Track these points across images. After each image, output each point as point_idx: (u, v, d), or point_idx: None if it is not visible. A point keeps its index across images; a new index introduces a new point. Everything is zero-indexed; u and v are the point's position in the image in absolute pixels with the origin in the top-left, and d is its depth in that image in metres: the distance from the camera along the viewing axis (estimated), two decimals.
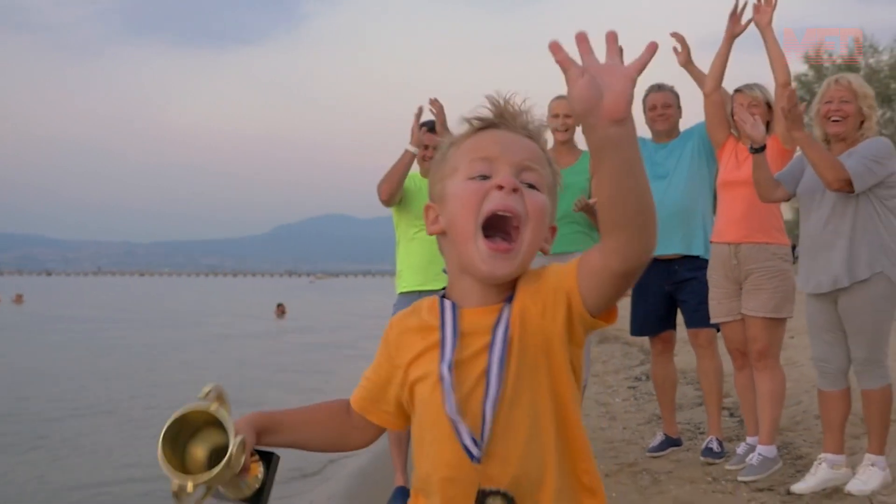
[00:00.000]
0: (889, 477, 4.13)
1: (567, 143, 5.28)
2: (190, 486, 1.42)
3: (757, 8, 4.75)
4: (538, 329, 1.45)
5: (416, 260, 5.04)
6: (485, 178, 1.46)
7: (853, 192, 4.01)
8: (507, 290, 1.49)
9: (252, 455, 1.53)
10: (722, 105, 4.93)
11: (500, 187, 1.44)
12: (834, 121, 4.17)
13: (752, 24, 4.83)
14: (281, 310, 33.55)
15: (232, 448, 1.43)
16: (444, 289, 1.57)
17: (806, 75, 21.36)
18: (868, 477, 4.08)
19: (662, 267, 5.15)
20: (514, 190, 1.44)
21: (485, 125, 1.53)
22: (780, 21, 4.73)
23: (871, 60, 20.50)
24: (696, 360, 5.45)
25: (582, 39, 1.24)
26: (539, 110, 1.57)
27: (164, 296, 66.65)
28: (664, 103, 5.39)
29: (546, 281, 1.47)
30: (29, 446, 8.47)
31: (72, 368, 15.67)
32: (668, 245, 5.11)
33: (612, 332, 12.47)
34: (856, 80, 4.29)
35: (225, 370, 14.92)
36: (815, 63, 20.71)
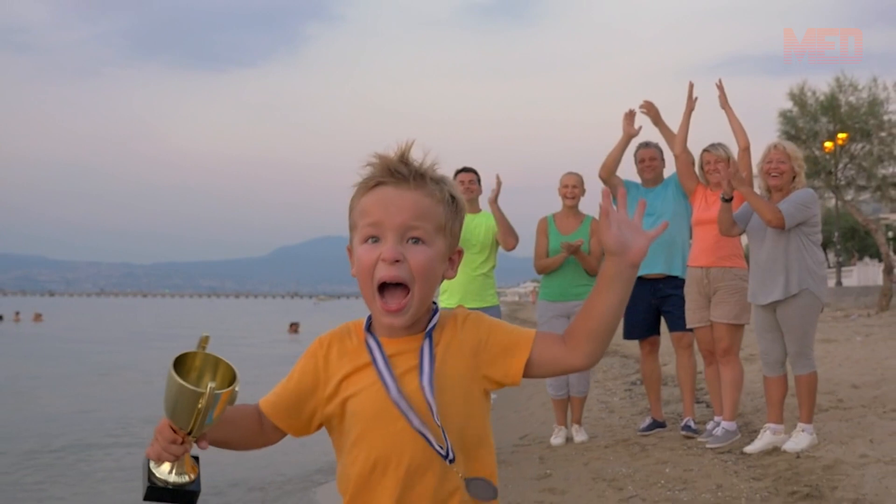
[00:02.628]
0: (815, 440, 5.55)
1: (573, 208, 6.84)
2: (209, 388, 1.51)
3: (720, 89, 6.25)
4: (463, 361, 1.69)
5: (455, 282, 6.59)
6: (375, 239, 1.64)
7: (784, 228, 5.47)
8: (422, 323, 1.71)
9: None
10: (689, 163, 6.42)
11: (384, 260, 1.62)
12: (773, 176, 5.65)
13: (715, 97, 6.34)
14: (294, 328, 34.82)
15: (237, 386, 1.57)
16: (369, 317, 1.74)
17: (790, 111, 22.57)
18: (799, 440, 5.51)
19: (649, 284, 6.61)
20: (397, 261, 1.62)
21: (374, 183, 1.66)
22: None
23: (852, 98, 21.77)
24: (676, 359, 6.90)
25: (622, 195, 1.64)
26: (421, 152, 1.68)
27: (176, 315, 67.75)
28: (651, 156, 6.88)
29: (494, 337, 1.70)
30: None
31: (120, 380, 17.22)
32: (654, 267, 6.56)
33: (612, 347, 13.93)
34: (790, 146, 5.78)
35: (267, 382, 16.27)
36: (798, 101, 22.12)
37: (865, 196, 24.62)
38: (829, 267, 45.18)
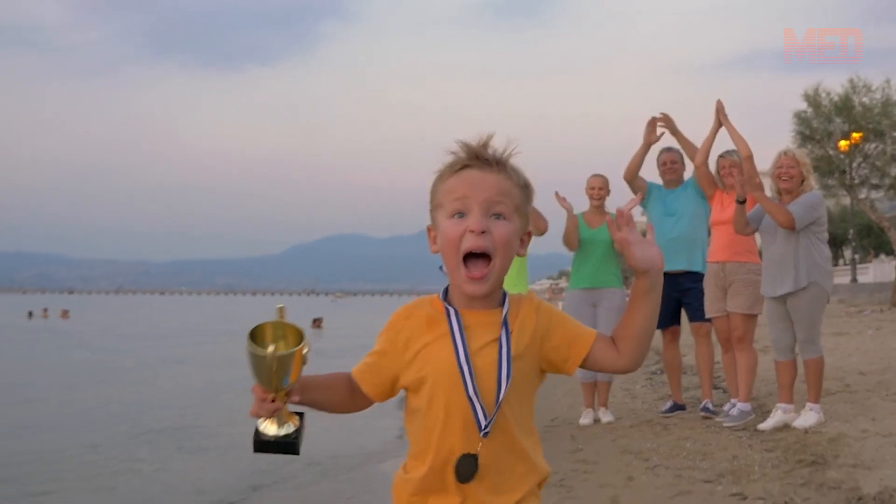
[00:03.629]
0: (822, 418, 6.15)
1: (599, 208, 7.45)
2: (269, 351, 1.65)
3: (720, 110, 6.84)
4: (530, 344, 1.85)
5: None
6: (461, 214, 1.79)
7: (794, 229, 6.08)
8: (497, 297, 1.87)
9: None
10: (708, 173, 7.03)
11: (472, 231, 1.77)
12: (784, 180, 6.25)
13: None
14: (318, 324, 35.53)
15: (305, 348, 1.70)
16: (445, 290, 1.89)
17: (805, 112, 23.09)
18: (807, 417, 6.11)
19: (671, 279, 7.21)
20: (483, 232, 1.77)
21: (461, 166, 1.83)
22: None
23: (865, 99, 22.29)
24: (695, 347, 7.51)
25: (630, 219, 1.84)
26: (502, 142, 1.85)
27: (197, 312, 68.66)
28: (672, 160, 7.50)
29: (561, 327, 1.88)
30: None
31: (166, 372, 18.09)
32: (676, 263, 7.17)
33: None
34: (798, 152, 6.39)
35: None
36: (813, 102, 22.65)
37: (879, 195, 25.09)
38: (845, 264, 45.56)
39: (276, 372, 1.68)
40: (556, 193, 7.42)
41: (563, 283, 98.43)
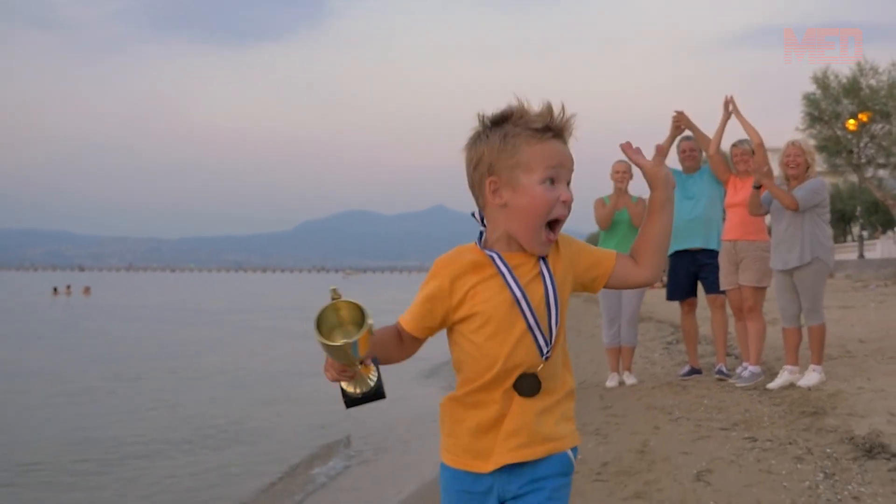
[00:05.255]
0: (824, 378, 6.96)
1: (623, 190, 8.23)
2: (354, 343, 1.77)
3: (728, 104, 7.64)
4: (564, 272, 2.05)
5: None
6: (552, 181, 1.94)
7: (799, 210, 6.87)
8: None
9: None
10: (722, 161, 7.83)
11: (564, 202, 1.95)
12: (791, 167, 7.04)
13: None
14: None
15: (370, 320, 1.79)
16: (479, 238, 2.03)
17: (814, 94, 23.82)
18: (811, 378, 6.93)
19: (689, 255, 8.04)
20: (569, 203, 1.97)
21: (549, 136, 1.95)
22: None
23: (872, 81, 22.97)
24: (711, 316, 8.33)
25: (639, 150, 2.06)
26: (572, 114, 1.97)
27: (210, 289, 69.55)
28: (690, 148, 8.29)
29: (584, 252, 2.09)
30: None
31: (194, 342, 19.15)
32: (694, 241, 8.00)
33: (647, 313, 15.44)
34: (804, 142, 7.18)
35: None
36: (822, 84, 23.37)
37: (885, 173, 25.82)
38: (853, 241, 46.18)
39: (349, 355, 1.81)
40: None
41: None
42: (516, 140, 1.94)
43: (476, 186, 2.01)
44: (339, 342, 1.76)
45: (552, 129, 1.95)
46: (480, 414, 2.00)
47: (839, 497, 4.04)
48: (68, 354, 17.33)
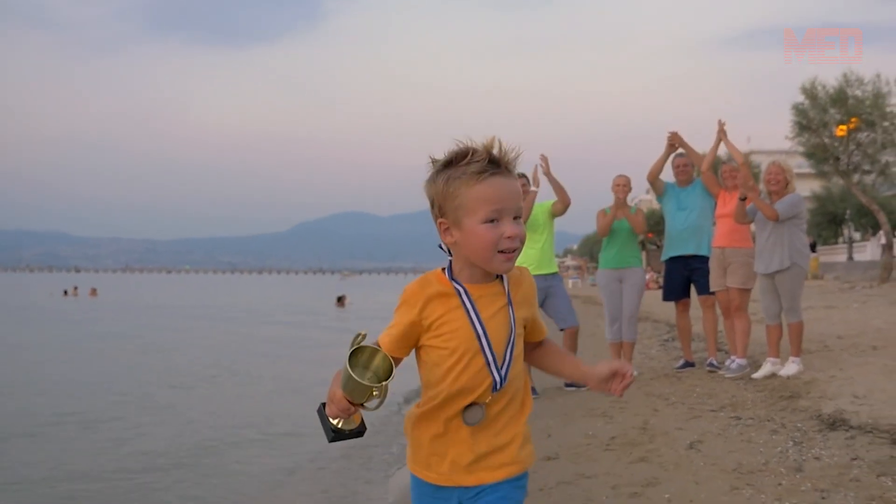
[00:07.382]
0: (802, 368, 7.91)
1: (624, 201, 9.14)
2: (382, 389, 1.92)
3: (721, 130, 8.65)
4: (523, 300, 2.17)
5: (527, 255, 8.80)
6: (494, 220, 2.00)
7: (779, 221, 7.85)
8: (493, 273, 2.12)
9: None
10: (712, 177, 8.83)
11: (510, 238, 2.01)
12: (773, 184, 8.02)
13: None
14: (342, 301, 37.28)
15: (394, 372, 1.98)
16: (448, 267, 2.11)
17: (802, 104, 24.95)
18: (790, 368, 7.89)
19: (683, 261, 9.02)
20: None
21: (489, 174, 1.99)
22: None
23: (857, 91, 24.08)
24: (702, 315, 9.29)
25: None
26: (509, 146, 2.03)
27: (210, 291, 69.96)
28: (684, 164, 9.25)
29: (534, 308, 2.22)
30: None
31: (206, 341, 19.95)
32: (687, 248, 8.97)
33: (645, 314, 16.48)
34: (783, 162, 8.16)
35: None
36: (810, 94, 24.48)
37: (870, 178, 26.96)
38: (844, 242, 47.25)
39: (366, 397, 1.92)
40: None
41: (568, 260, 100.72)
42: (457, 183, 2.01)
43: (434, 223, 2.11)
44: (369, 383, 1.90)
45: (494, 165, 2.01)
46: (434, 429, 2.13)
47: (804, 458, 5.01)
48: (137, 367, 14.89)
